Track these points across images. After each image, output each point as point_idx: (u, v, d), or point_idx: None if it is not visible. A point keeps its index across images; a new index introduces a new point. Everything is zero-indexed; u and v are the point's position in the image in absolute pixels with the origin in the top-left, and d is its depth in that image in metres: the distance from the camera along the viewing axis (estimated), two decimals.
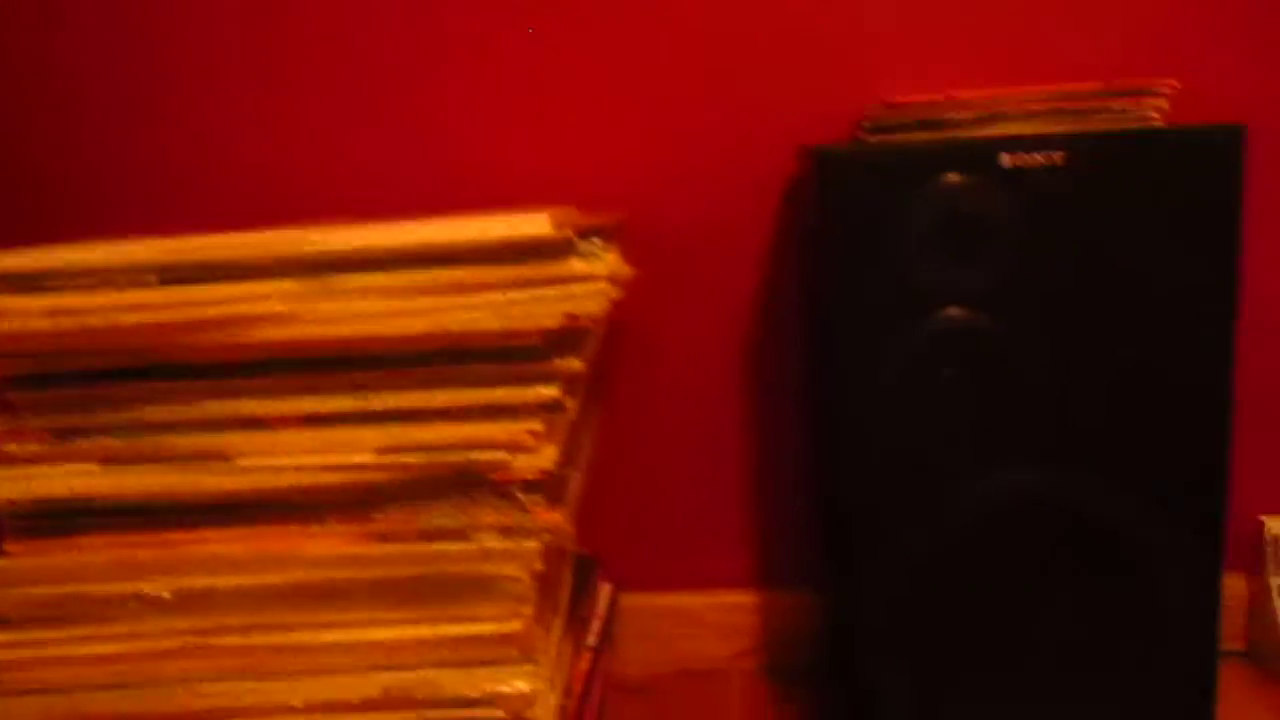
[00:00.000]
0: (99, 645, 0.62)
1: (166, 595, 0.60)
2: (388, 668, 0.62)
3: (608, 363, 0.88)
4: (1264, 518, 0.88)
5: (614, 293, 0.56)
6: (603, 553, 0.92)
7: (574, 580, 0.82)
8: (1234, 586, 0.89)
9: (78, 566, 0.61)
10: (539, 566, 0.60)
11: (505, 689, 0.61)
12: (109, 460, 0.61)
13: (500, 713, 0.61)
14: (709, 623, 0.91)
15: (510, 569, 0.59)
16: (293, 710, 0.62)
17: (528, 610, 0.61)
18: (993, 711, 0.72)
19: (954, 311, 0.69)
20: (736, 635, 0.91)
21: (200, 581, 0.61)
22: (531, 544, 0.60)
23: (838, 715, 0.74)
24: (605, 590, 0.91)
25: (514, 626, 0.61)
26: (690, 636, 0.91)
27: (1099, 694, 0.72)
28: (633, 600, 0.91)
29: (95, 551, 0.62)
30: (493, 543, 0.61)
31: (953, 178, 0.67)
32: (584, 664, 0.78)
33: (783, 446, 0.89)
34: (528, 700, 0.61)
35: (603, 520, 0.91)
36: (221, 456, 0.60)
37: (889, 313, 0.69)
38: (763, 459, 0.90)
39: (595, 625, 0.84)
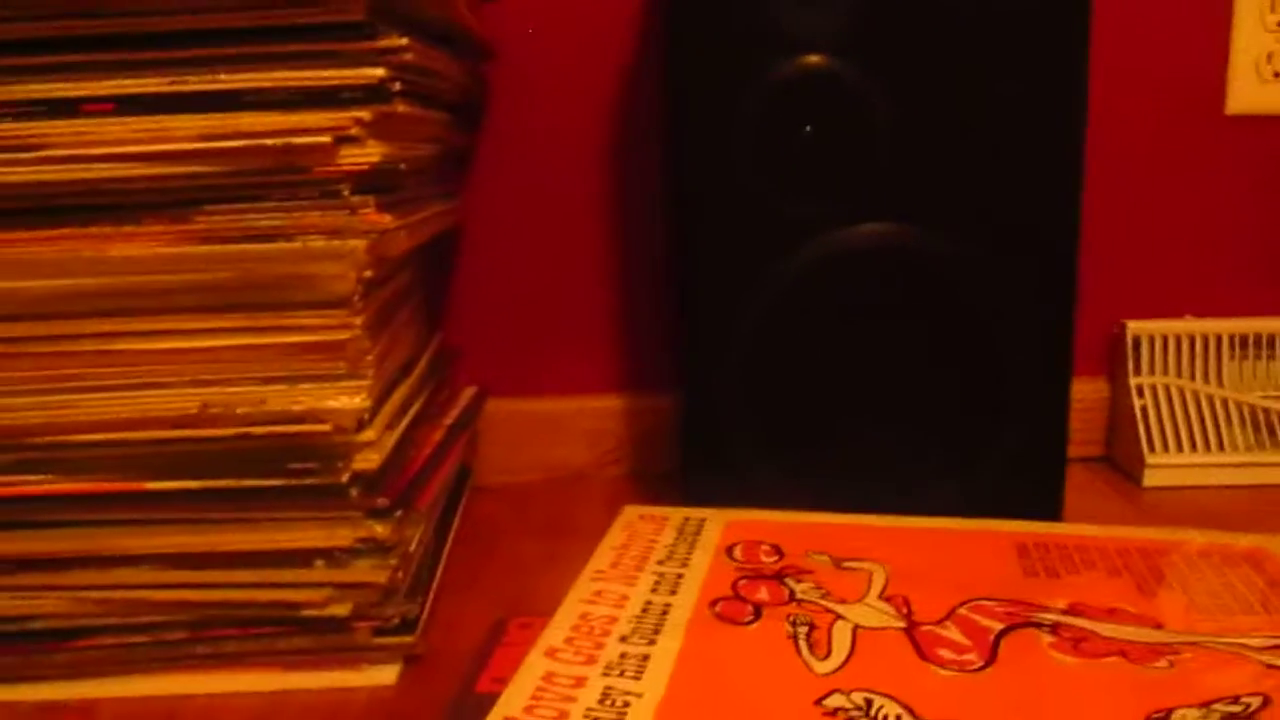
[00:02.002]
0: None
1: None
2: (207, 382, 0.59)
3: (465, 147, 0.86)
4: (1126, 321, 0.88)
5: None
6: (467, 357, 0.89)
7: (430, 358, 0.80)
8: (1096, 391, 0.90)
9: None
10: (367, 269, 0.58)
11: (332, 404, 0.59)
12: None
13: (327, 427, 0.58)
14: (575, 428, 0.89)
15: (335, 268, 0.57)
16: (105, 426, 0.59)
17: (357, 321, 0.58)
18: (833, 478, 0.71)
19: (808, 58, 0.68)
20: (602, 440, 0.89)
21: (6, 285, 0.57)
22: (358, 243, 0.57)
23: (688, 486, 0.73)
24: (469, 390, 0.89)
25: (341, 335, 0.58)
26: (556, 443, 0.90)
27: (944, 466, 0.71)
28: (497, 406, 0.89)
29: None
30: (318, 243, 0.58)
31: None
32: (436, 435, 0.76)
33: (647, 247, 0.88)
34: (355, 417, 0.58)
35: (465, 324, 0.89)
36: (28, 147, 0.57)
37: (738, 59, 0.68)
38: (627, 261, 0.88)
39: (452, 412, 0.82)
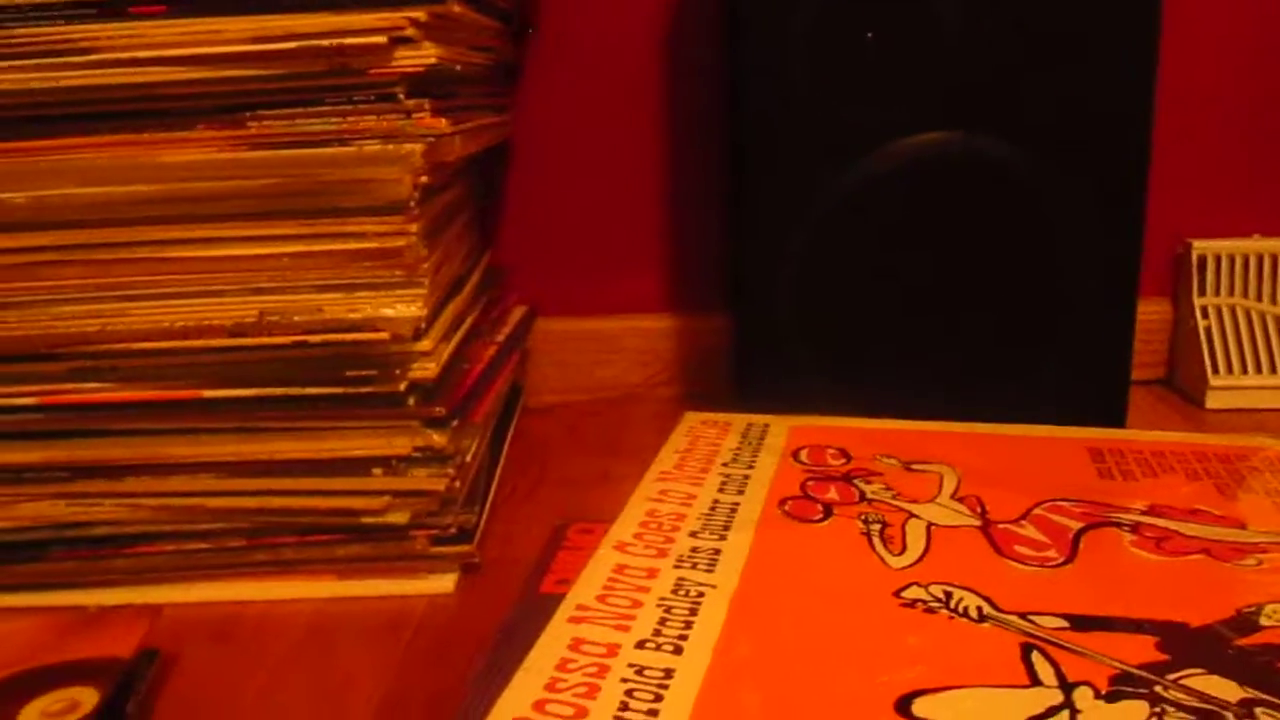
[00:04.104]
0: None
1: (21, 200, 0.56)
2: (264, 289, 0.59)
3: (514, 61, 0.85)
4: (1191, 240, 0.86)
5: None
6: (517, 277, 0.89)
7: (481, 276, 0.79)
8: (1159, 312, 0.88)
9: None
10: (423, 174, 0.57)
11: (389, 312, 0.58)
12: None
13: (384, 335, 0.58)
14: (625, 348, 0.89)
15: (391, 172, 0.56)
16: (161, 334, 0.58)
17: (413, 227, 0.58)
18: (891, 391, 0.69)
19: None
20: (652, 360, 0.89)
21: (61, 191, 0.57)
22: (414, 147, 0.56)
23: (744, 400, 0.72)
24: (519, 309, 0.88)
25: (397, 242, 0.58)
26: (605, 363, 0.89)
27: (1005, 378, 0.70)
28: (547, 325, 0.88)
29: None
30: (373, 147, 0.57)
31: None
32: (489, 351, 0.75)
33: (700, 165, 0.86)
34: (412, 325, 0.58)
35: (515, 243, 0.88)
36: (78, 50, 0.56)
37: None
38: (680, 179, 0.86)
39: (504, 330, 0.81)
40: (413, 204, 0.57)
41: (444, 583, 0.61)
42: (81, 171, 0.57)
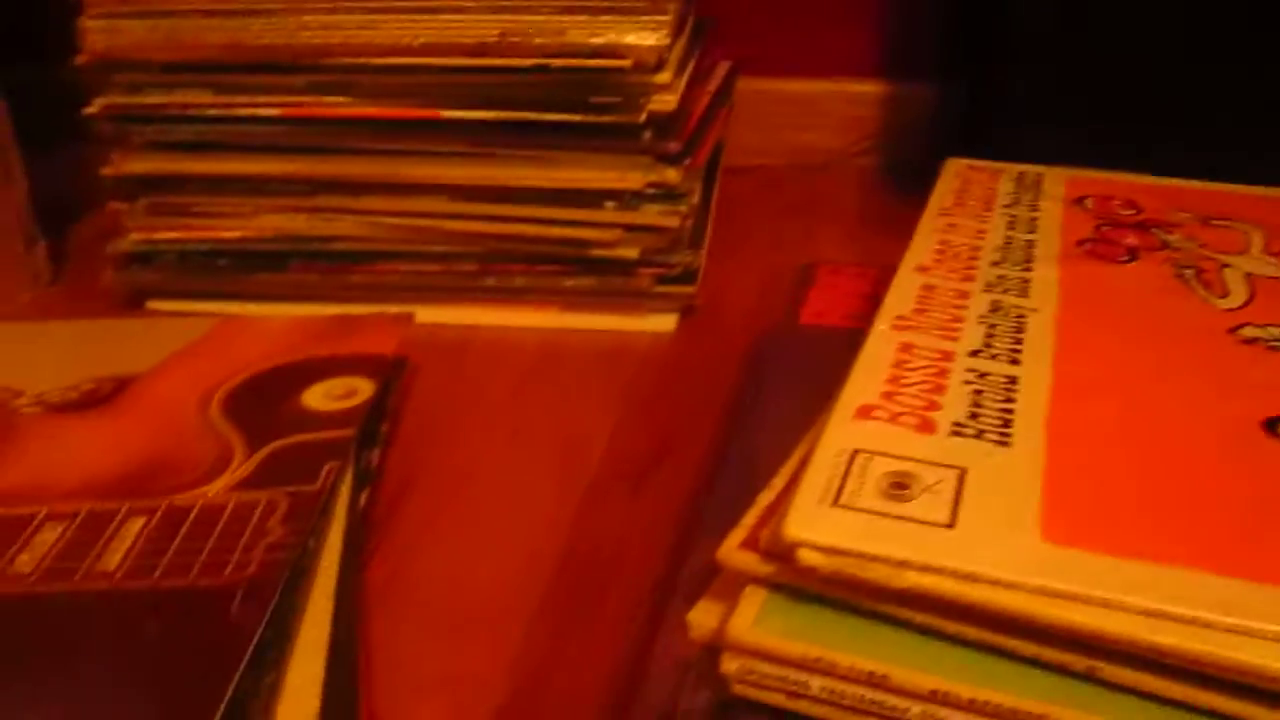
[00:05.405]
0: None
1: None
2: (507, 9, 0.57)
3: None
4: None
5: None
6: (719, 32, 0.85)
7: (694, 23, 0.76)
8: None
9: None
10: None
11: (632, 39, 0.56)
12: None
13: (626, 63, 0.56)
14: (827, 113, 0.85)
15: None
16: (402, 50, 0.58)
17: None
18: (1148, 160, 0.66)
19: None
20: (856, 127, 0.85)
21: None
22: None
23: None
24: (723, 65, 0.85)
25: None
26: (806, 127, 0.86)
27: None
28: (747, 84, 0.85)
29: None
30: None
31: None
32: (704, 99, 0.73)
33: None
34: (656, 54, 0.56)
35: None
36: None
37: None
38: None
39: (712, 85, 0.79)
40: None
41: (665, 322, 0.61)
42: None
